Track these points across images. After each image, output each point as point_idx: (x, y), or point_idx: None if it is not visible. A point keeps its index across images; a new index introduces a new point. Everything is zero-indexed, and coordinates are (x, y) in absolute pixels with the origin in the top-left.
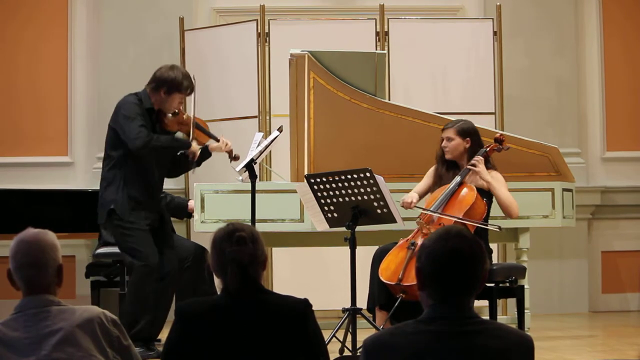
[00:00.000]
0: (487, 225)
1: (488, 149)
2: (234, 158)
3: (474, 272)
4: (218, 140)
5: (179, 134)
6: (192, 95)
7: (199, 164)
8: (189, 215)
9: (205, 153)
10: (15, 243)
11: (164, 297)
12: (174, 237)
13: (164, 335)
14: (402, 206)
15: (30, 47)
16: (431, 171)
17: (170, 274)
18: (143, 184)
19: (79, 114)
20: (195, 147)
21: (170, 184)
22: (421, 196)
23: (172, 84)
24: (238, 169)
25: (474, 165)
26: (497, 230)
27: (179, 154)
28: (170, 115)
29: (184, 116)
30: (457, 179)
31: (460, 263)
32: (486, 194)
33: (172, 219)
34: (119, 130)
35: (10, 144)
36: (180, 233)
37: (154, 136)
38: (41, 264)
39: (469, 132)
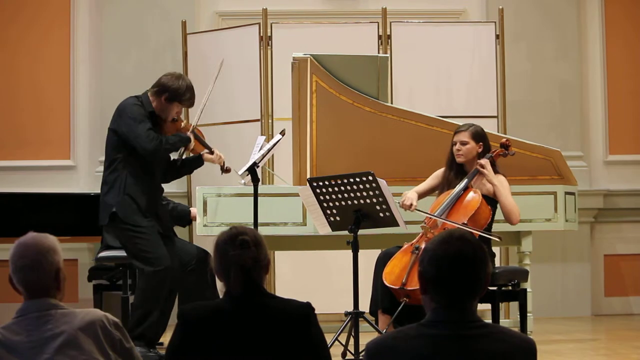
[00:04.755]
0: (489, 234)
1: (494, 153)
2: (225, 170)
3: (477, 276)
4: (212, 153)
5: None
6: (202, 104)
7: (190, 171)
8: (190, 222)
9: (198, 161)
10: (14, 246)
11: (168, 300)
12: (176, 242)
13: (166, 338)
14: (401, 207)
15: (33, 50)
16: (438, 174)
17: (174, 278)
18: (145, 187)
19: (81, 117)
20: (192, 138)
21: (172, 188)
22: (421, 197)
23: (175, 93)
24: (240, 172)
25: (482, 166)
26: (498, 240)
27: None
28: (169, 121)
29: (182, 124)
30: (463, 183)
31: (462, 267)
32: (491, 200)
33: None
34: (126, 133)
35: (13, 147)
36: (183, 236)
37: (163, 138)
38: (38, 267)
39: (482, 136)
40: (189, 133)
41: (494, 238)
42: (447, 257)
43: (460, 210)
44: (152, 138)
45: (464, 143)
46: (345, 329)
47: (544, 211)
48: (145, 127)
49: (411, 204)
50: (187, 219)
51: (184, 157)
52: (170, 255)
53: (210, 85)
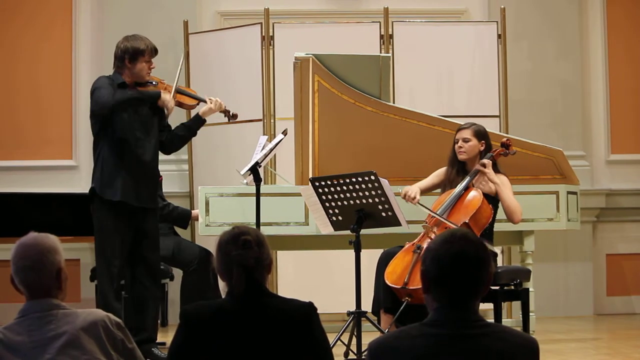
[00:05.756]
0: (490, 246)
1: (495, 153)
2: (232, 117)
3: (479, 275)
4: (206, 102)
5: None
6: (178, 68)
7: (194, 132)
8: (188, 224)
9: (198, 120)
10: (15, 247)
11: (144, 300)
12: (171, 244)
13: (168, 338)
14: (404, 198)
15: (33, 49)
16: (441, 172)
17: (145, 278)
18: (123, 159)
19: (83, 117)
20: (166, 96)
21: (174, 188)
22: (422, 192)
23: (132, 50)
24: (243, 172)
25: (483, 165)
26: (497, 252)
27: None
28: (150, 86)
29: (165, 85)
30: (464, 182)
31: (464, 266)
32: (492, 199)
33: (175, 227)
34: (91, 105)
35: (15, 147)
36: (185, 236)
37: (117, 91)
38: (39, 267)
39: (484, 135)
40: (172, 92)
41: (492, 249)
42: (449, 257)
43: (461, 210)
44: (100, 95)
45: (466, 140)
46: (347, 329)
47: (546, 211)
48: (100, 92)
49: (415, 197)
50: (186, 221)
51: (168, 120)
52: (143, 254)
53: (175, 80)
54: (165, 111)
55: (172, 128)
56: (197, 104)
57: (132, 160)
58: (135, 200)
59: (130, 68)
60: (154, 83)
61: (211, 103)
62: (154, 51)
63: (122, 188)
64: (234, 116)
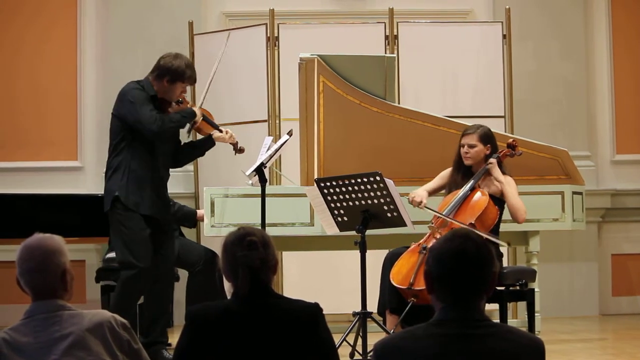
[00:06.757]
0: (497, 240)
1: (501, 154)
2: (239, 150)
3: (481, 274)
4: (221, 131)
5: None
6: (206, 85)
7: (202, 153)
8: (196, 223)
9: (209, 142)
10: (20, 249)
11: (159, 300)
12: (183, 242)
13: (174, 339)
14: (411, 203)
15: (37, 50)
16: (446, 173)
17: (163, 276)
18: (148, 171)
19: (88, 118)
20: (198, 113)
21: (179, 189)
22: (430, 195)
23: (175, 73)
24: (248, 172)
25: (490, 163)
26: (506, 245)
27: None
28: (174, 104)
29: (188, 105)
30: (470, 183)
31: (466, 265)
32: (498, 200)
33: (181, 228)
34: (129, 117)
35: (19, 148)
36: (190, 237)
37: (166, 117)
38: (44, 269)
39: (490, 138)
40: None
41: (500, 243)
42: (449, 255)
43: (467, 211)
44: (156, 119)
45: (472, 146)
46: (353, 329)
47: (551, 211)
48: (147, 109)
49: (421, 201)
50: (192, 221)
51: (189, 136)
52: (163, 253)
53: (215, 63)
54: (190, 127)
55: (181, 144)
56: (212, 132)
57: (155, 172)
58: (158, 213)
59: (165, 87)
60: (180, 100)
61: (226, 134)
62: (194, 81)
63: (150, 202)
64: (241, 150)
